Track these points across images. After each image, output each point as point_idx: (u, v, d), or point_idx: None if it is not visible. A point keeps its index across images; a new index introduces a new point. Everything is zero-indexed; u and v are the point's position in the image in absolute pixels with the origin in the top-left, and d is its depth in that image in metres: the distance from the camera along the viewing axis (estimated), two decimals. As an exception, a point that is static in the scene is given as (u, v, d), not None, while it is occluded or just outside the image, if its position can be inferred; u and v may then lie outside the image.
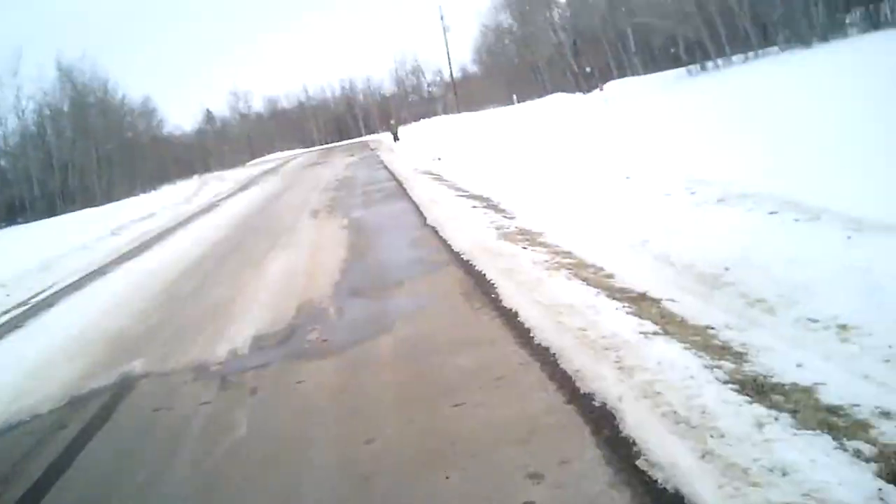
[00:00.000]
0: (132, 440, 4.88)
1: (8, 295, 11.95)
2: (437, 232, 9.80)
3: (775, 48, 25.62)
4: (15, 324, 9.74)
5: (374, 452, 3.80)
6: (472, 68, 79.18)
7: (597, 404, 3.75)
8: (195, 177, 41.70)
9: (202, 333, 7.06)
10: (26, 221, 32.70)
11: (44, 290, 12.07)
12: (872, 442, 2.98)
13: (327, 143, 79.99)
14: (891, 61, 13.74)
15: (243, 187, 31.04)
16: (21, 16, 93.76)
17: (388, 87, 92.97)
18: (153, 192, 35.67)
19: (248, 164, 67.89)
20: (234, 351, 6.26)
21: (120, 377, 6.18)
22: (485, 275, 6.90)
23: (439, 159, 21.66)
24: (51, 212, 31.46)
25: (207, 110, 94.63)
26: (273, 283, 8.79)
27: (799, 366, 3.83)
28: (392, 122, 44.88)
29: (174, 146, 72.99)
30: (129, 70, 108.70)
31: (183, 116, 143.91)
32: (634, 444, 3.27)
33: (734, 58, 26.61)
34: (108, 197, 34.34)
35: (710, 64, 27.39)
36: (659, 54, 40.12)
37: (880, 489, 2.63)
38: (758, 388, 3.59)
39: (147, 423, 5.08)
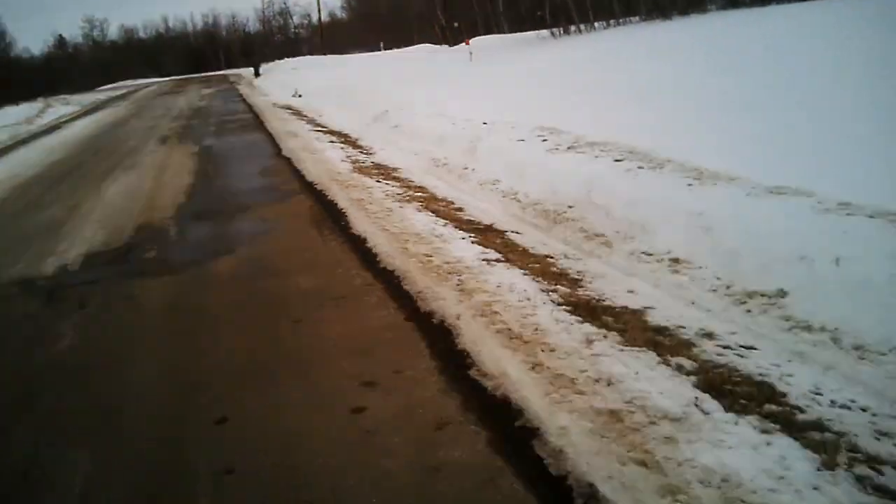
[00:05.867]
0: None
1: None
2: (291, 163, 9.54)
3: (637, 18, 26.42)
4: None
5: (205, 366, 3.67)
6: (342, 14, 78.10)
7: (435, 322, 3.77)
8: (39, 99, 38.45)
9: (29, 250, 6.57)
10: None
11: None
12: (694, 358, 3.14)
13: (185, 75, 76.20)
14: (736, 41, 14.47)
15: (89, 112, 29.05)
16: None
17: (254, 26, 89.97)
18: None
19: (97, 89, 63.67)
20: (64, 267, 5.88)
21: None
22: (336, 204, 6.79)
23: (300, 96, 21.10)
24: None
25: (60, 36, 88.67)
26: (112, 204, 8.29)
27: (630, 292, 4.00)
28: (254, 57, 43.23)
29: (21, 69, 67.53)
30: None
31: (33, 41, 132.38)
32: (468, 356, 3.32)
33: (597, 24, 27.22)
34: (-54, 116, 31.23)
35: (573, 28, 27.89)
36: (526, 15, 40.51)
37: (696, 398, 2.78)
38: (590, 310, 3.71)
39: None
